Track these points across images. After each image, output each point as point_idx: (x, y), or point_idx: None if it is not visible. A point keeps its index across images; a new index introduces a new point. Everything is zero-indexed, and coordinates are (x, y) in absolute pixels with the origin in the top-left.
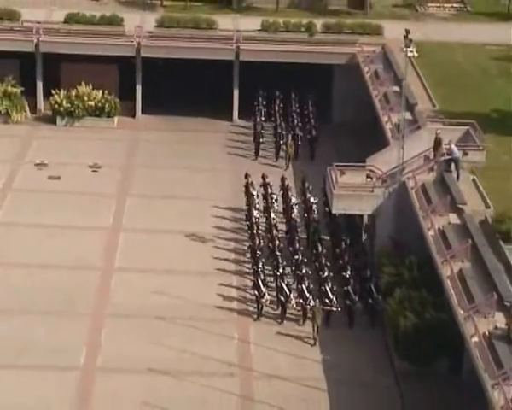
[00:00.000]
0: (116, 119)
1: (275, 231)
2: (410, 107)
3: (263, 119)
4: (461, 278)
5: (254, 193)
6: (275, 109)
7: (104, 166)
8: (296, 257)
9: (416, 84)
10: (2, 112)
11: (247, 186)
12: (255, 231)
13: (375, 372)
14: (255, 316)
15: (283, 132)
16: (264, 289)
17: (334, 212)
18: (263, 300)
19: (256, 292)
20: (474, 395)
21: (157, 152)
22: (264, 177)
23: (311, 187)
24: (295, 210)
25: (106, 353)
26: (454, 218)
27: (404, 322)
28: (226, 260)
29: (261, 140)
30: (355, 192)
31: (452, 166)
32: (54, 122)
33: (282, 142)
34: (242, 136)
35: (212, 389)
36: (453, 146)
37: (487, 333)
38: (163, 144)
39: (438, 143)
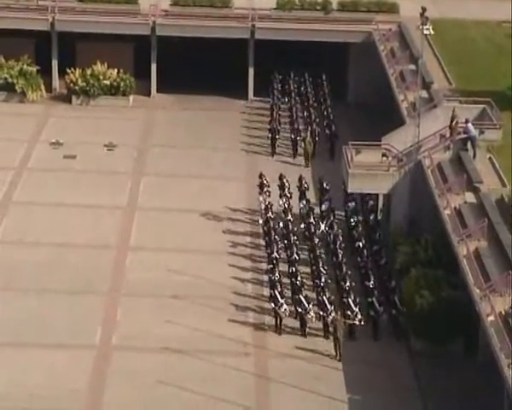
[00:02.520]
0: (131, 97)
1: (292, 237)
2: (426, 85)
3: (280, 112)
4: (477, 257)
5: (269, 192)
6: (291, 103)
7: (119, 145)
8: (316, 266)
9: (431, 62)
10: (18, 91)
11: (261, 186)
12: (273, 238)
13: (390, 352)
14: (276, 331)
15: (300, 128)
16: (282, 301)
17: (349, 191)
18: (281, 311)
19: (273, 304)
20: (489, 374)
21: (172, 131)
22: (281, 177)
23: (328, 186)
24: (313, 214)
25: (121, 331)
26: (470, 197)
27: (420, 301)
28: (241, 238)
29: (277, 136)
30: (370, 171)
31: (469, 144)
32: (69, 101)
33: (299, 138)
34: (258, 114)
35: (227, 367)
36: (469, 124)
37: (503, 312)
38: (178, 123)
39: (454, 121)
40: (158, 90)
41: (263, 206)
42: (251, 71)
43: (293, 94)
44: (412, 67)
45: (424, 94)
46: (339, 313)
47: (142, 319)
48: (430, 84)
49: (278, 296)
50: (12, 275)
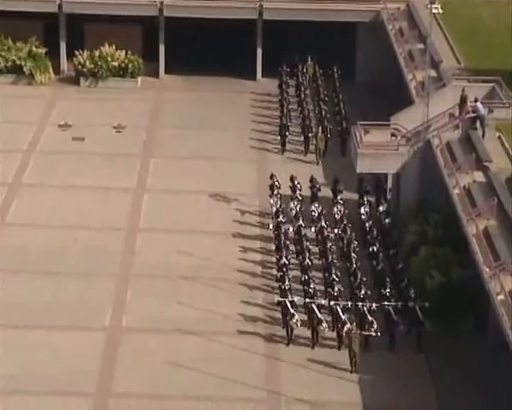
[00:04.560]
0: (139, 79)
1: (305, 243)
2: (435, 64)
3: (290, 107)
4: (486, 236)
5: (280, 195)
6: (301, 98)
7: (128, 126)
8: (329, 273)
9: (440, 41)
10: (27, 73)
11: (272, 188)
12: (282, 243)
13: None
14: (285, 342)
15: (312, 124)
16: (292, 311)
17: (358, 171)
18: (292, 321)
19: (283, 314)
20: (500, 352)
21: (180, 112)
22: (292, 178)
23: (342, 187)
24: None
25: (131, 313)
26: (479, 176)
27: (430, 280)
28: (250, 220)
29: (287, 133)
30: (379, 151)
31: (478, 123)
32: (77, 83)
33: (310, 135)
34: (266, 95)
35: (238, 348)
36: (478, 103)
37: None
38: (186, 104)
39: (463, 100)
40: (166, 72)
41: (274, 209)
42: (259, 51)
43: (302, 88)
44: (421, 46)
45: (433, 73)
46: (354, 323)
47: (153, 300)
48: (439, 63)
49: (289, 306)
50: (22, 257)
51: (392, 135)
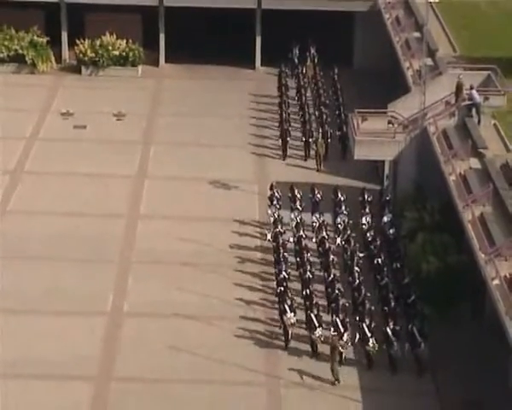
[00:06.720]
0: (140, 68)
1: (306, 254)
2: (432, 52)
3: (289, 110)
4: (482, 223)
5: (280, 206)
6: (301, 101)
7: (129, 114)
8: (331, 288)
9: (437, 29)
10: (29, 62)
11: (271, 199)
12: (281, 255)
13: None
14: (283, 347)
15: (312, 129)
16: (292, 319)
17: (356, 158)
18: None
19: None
20: (496, 338)
21: (180, 100)
22: (292, 188)
23: (343, 197)
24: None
25: (132, 299)
26: (475, 162)
27: (427, 266)
28: (250, 205)
29: (288, 138)
30: (377, 138)
31: (473, 111)
32: (79, 72)
33: (311, 140)
34: (265, 84)
35: (237, 333)
36: (474, 91)
37: (508, 276)
38: (187, 93)
39: (459, 88)
40: (166, 61)
41: (272, 219)
42: (258, 40)
43: (302, 90)
44: (417, 34)
45: (429, 61)
46: (331, 332)
47: (153, 286)
48: (435, 51)
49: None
50: (24, 244)
51: (389, 122)
